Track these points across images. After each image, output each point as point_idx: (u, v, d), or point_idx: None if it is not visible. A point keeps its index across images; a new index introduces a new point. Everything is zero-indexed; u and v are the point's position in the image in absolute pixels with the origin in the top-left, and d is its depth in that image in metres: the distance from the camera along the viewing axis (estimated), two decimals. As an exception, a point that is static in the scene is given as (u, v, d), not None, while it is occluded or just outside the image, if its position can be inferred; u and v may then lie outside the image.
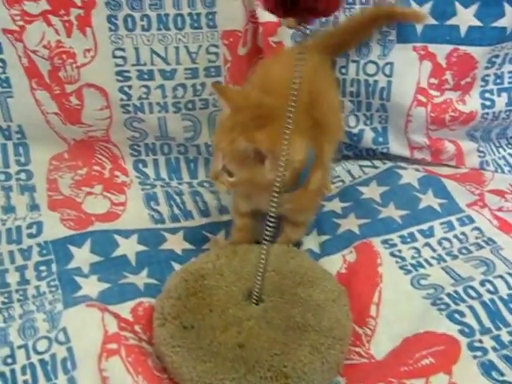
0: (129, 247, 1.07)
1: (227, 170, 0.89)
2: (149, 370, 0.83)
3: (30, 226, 1.11)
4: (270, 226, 0.85)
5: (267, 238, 0.86)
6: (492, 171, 1.28)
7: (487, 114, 1.25)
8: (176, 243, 1.10)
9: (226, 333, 0.85)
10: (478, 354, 0.86)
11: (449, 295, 0.95)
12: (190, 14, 1.13)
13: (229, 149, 0.87)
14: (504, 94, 1.25)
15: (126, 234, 1.10)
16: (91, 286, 0.98)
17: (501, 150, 1.33)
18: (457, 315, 0.91)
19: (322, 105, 0.96)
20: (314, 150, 0.90)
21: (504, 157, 1.32)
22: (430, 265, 1.03)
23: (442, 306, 0.93)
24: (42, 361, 0.86)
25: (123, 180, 1.22)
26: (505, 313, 0.93)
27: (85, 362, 0.84)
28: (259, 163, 0.86)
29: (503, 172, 1.29)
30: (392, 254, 1.04)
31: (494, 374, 0.84)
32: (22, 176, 1.18)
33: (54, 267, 1.02)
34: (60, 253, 1.05)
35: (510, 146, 1.34)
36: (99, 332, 0.87)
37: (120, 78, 1.15)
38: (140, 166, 1.24)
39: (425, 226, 1.10)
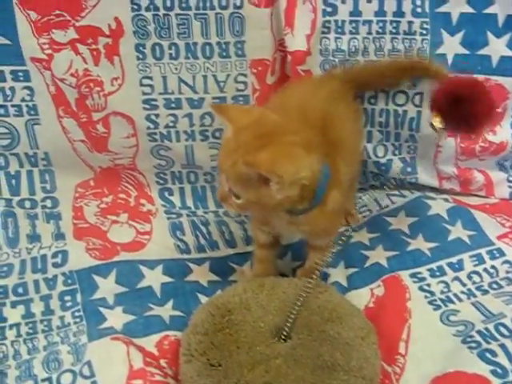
0: (154, 278, 1.07)
1: (233, 193, 0.87)
2: (174, 407, 0.83)
3: (55, 255, 1.11)
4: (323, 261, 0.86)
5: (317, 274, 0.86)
6: (523, 202, 1.27)
7: (518, 144, 1.24)
8: (202, 275, 1.09)
9: (254, 371, 0.84)
10: (513, 395, 0.85)
11: (480, 333, 0.93)
12: (218, 43, 1.12)
13: (231, 172, 0.84)
14: None
15: (151, 264, 1.09)
16: (116, 318, 0.97)
17: None
18: (488, 354, 0.90)
19: (338, 127, 0.93)
20: (330, 168, 0.88)
21: None
22: (460, 300, 1.01)
23: (473, 345, 0.91)
24: None
25: (149, 208, 1.22)
26: None
27: (110, 397, 0.84)
28: (264, 185, 0.82)
29: None
30: (421, 289, 1.03)
31: (530, 415, 0.83)
32: (48, 203, 1.18)
33: (78, 297, 1.02)
34: (85, 283, 1.05)
35: None
36: (124, 367, 0.87)
37: (147, 107, 1.15)
38: (166, 194, 1.24)
39: (454, 259, 1.08)
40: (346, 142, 0.95)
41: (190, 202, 1.24)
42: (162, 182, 1.23)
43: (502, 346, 0.91)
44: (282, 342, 0.89)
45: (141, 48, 1.11)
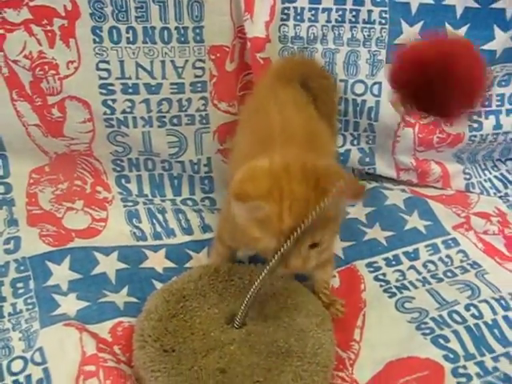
0: (109, 265, 1.05)
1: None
2: (128, 393, 0.81)
3: (7, 242, 1.08)
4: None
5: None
6: (478, 193, 1.29)
7: (475, 136, 1.25)
8: (157, 261, 1.07)
9: (208, 357, 0.84)
10: (463, 380, 0.86)
11: (433, 319, 0.95)
12: (176, 28, 1.11)
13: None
14: (492, 117, 1.26)
15: (106, 250, 1.08)
16: (69, 305, 0.95)
17: (486, 172, 1.34)
18: (441, 340, 0.92)
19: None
20: None
21: (490, 179, 1.32)
22: (415, 287, 1.02)
23: (427, 331, 0.93)
24: (16, 382, 0.83)
25: (105, 196, 1.19)
26: (489, 338, 0.93)
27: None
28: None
29: (489, 194, 1.29)
30: (376, 278, 1.04)
31: (477, 400, 0.84)
32: (1, 189, 1.14)
33: (31, 284, 1.00)
34: (38, 269, 1.02)
35: (495, 168, 1.35)
36: (77, 353, 0.85)
37: (104, 91, 1.13)
38: (123, 181, 1.21)
39: (410, 249, 1.10)
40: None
41: (147, 190, 1.22)
42: (118, 169, 1.20)
43: (455, 332, 0.93)
44: (236, 329, 0.88)
45: (97, 31, 1.08)
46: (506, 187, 1.31)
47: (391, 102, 0.70)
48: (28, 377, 0.83)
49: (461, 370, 0.87)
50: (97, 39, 1.09)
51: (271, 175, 0.77)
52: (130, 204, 1.20)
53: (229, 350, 0.85)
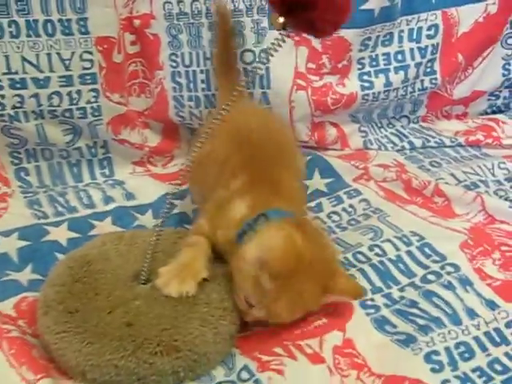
0: (9, 244, 1.01)
1: None
2: (34, 360, 0.78)
3: None
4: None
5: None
6: (376, 149, 1.31)
7: (367, 95, 1.27)
8: (60, 234, 1.05)
9: (113, 313, 0.82)
10: (371, 311, 0.88)
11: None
12: (60, 20, 1.11)
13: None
14: (381, 76, 1.28)
15: (5, 233, 1.04)
16: (-34, 288, 0.91)
17: (382, 130, 1.35)
18: (348, 278, 0.93)
19: None
20: None
21: (386, 136, 1.34)
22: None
23: (333, 273, 0.95)
24: None
25: (5, 191, 1.16)
26: (394, 272, 0.96)
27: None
28: None
29: (386, 149, 1.32)
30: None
31: (387, 327, 0.86)
32: None
33: None
34: None
35: (390, 125, 1.36)
36: (-26, 329, 0.81)
37: None
38: (22, 174, 1.19)
39: (312, 204, 1.12)
40: None
41: (47, 180, 1.20)
42: (16, 161, 1.18)
43: (361, 270, 0.95)
44: (142, 286, 0.88)
45: None
46: (401, 141, 1.34)
47: (271, 18, 0.74)
48: None
49: (369, 303, 0.89)
50: None
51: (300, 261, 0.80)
52: (31, 195, 1.17)
53: (134, 305, 0.84)
